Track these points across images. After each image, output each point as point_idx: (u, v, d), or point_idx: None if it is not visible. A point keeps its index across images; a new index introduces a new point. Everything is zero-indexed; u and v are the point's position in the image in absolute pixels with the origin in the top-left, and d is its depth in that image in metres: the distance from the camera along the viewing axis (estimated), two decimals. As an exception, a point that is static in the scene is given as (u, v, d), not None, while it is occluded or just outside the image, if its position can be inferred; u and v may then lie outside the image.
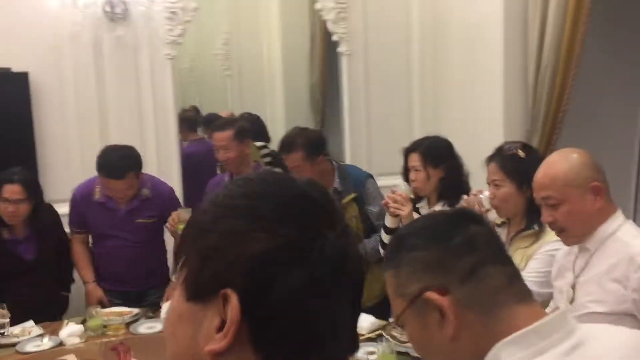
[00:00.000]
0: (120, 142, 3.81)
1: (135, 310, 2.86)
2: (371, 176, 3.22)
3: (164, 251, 3.23)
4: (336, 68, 4.70)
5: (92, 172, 3.75)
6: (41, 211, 3.01)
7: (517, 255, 2.18)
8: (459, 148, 3.97)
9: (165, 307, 2.84)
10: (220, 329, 0.56)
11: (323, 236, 0.58)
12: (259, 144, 4.56)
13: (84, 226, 3.18)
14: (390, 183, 3.96)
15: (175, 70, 3.99)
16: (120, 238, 3.09)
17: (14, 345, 2.54)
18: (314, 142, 3.02)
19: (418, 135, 4.25)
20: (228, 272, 0.56)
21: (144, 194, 3.05)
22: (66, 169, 3.73)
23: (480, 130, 3.79)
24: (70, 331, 2.60)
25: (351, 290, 0.61)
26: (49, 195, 3.66)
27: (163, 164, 3.92)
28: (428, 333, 0.95)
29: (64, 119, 3.72)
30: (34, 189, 2.94)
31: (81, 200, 3.17)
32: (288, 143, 3.00)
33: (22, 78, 3.55)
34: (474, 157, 3.90)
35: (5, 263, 2.92)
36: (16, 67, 3.56)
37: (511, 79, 3.65)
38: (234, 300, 0.55)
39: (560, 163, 1.73)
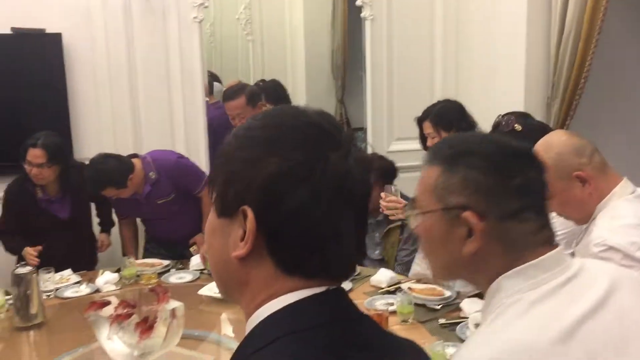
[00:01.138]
0: (148, 104, 3.94)
1: (166, 262, 3.01)
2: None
3: (197, 211, 3.32)
4: (357, 34, 4.75)
5: (121, 132, 3.90)
6: (71, 173, 3.11)
7: None
8: (479, 115, 4.05)
9: (194, 259, 2.99)
10: (242, 238, 0.69)
11: (326, 157, 0.68)
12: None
13: (123, 214, 3.35)
14: (410, 147, 4.06)
15: (202, 34, 4.07)
16: (154, 218, 3.25)
17: (53, 291, 2.70)
18: (387, 170, 3.17)
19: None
20: (246, 192, 0.68)
21: (152, 177, 3.09)
22: (97, 128, 3.85)
23: (501, 97, 3.84)
24: (106, 279, 2.76)
25: (354, 204, 0.71)
26: (82, 153, 3.80)
27: (190, 126, 4.03)
28: (446, 239, 1.01)
29: (95, 79, 3.83)
30: (57, 154, 3.00)
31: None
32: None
33: (55, 39, 3.66)
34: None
35: (40, 221, 3.07)
36: (50, 29, 3.66)
37: (534, 45, 3.67)
38: (250, 214, 0.68)
39: (556, 143, 1.69)
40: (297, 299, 0.69)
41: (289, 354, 0.65)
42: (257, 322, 0.70)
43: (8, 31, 3.62)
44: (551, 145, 1.68)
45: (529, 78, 3.68)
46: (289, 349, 0.65)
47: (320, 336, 0.67)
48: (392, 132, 4.39)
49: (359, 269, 2.73)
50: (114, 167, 2.93)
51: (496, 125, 2.37)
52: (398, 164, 3.97)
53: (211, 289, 2.61)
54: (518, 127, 2.29)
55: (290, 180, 0.67)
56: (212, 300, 2.56)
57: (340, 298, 0.73)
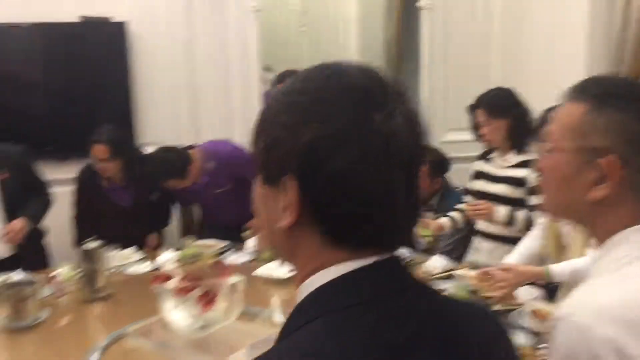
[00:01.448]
0: (206, 92, 4.04)
1: (224, 243, 3.10)
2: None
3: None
4: (412, 24, 4.74)
5: (180, 119, 4.02)
6: (134, 164, 3.23)
7: None
8: (538, 107, 3.95)
9: (250, 241, 3.06)
10: (286, 208, 0.66)
11: (370, 119, 0.64)
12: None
13: (183, 203, 3.52)
14: (465, 138, 4.03)
15: (259, 22, 4.14)
16: (211, 206, 3.35)
17: (118, 267, 2.82)
18: (438, 163, 3.26)
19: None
20: (287, 160, 0.65)
21: (209, 167, 3.19)
22: (157, 116, 3.99)
23: (560, 88, 3.77)
24: (167, 258, 2.87)
25: (404, 167, 0.66)
26: (143, 139, 3.95)
27: (247, 113, 4.11)
28: (574, 179, 0.95)
29: (156, 67, 3.96)
30: (119, 148, 3.12)
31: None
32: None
33: (120, 28, 3.79)
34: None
35: (103, 208, 3.23)
36: (115, 17, 3.80)
37: (595, 37, 3.60)
38: (292, 184, 0.65)
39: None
40: (343, 272, 0.66)
41: (325, 336, 0.62)
42: (304, 295, 0.68)
43: (76, 19, 3.78)
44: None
45: (590, 71, 3.61)
46: (326, 330, 0.62)
47: (362, 315, 0.63)
48: (446, 122, 4.38)
49: (411, 255, 2.75)
50: (173, 159, 3.04)
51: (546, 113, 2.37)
52: (452, 155, 3.97)
53: (266, 271, 2.67)
54: None
55: (331, 146, 0.63)
56: (267, 280, 2.63)
57: (392, 269, 0.68)
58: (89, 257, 2.48)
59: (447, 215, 3.02)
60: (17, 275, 2.47)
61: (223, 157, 3.21)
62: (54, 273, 2.58)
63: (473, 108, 2.95)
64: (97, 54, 3.85)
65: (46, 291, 2.47)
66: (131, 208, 3.23)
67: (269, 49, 6.76)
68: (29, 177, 3.03)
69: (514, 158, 2.84)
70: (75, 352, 2.06)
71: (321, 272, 0.67)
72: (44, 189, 3.12)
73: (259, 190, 0.72)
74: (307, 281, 0.68)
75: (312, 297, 0.67)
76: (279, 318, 2.29)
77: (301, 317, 0.66)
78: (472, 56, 4.31)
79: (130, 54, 3.88)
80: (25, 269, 2.57)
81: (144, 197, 3.31)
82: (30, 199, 3.00)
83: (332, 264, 0.66)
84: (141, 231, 3.34)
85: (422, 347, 0.65)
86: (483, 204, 2.80)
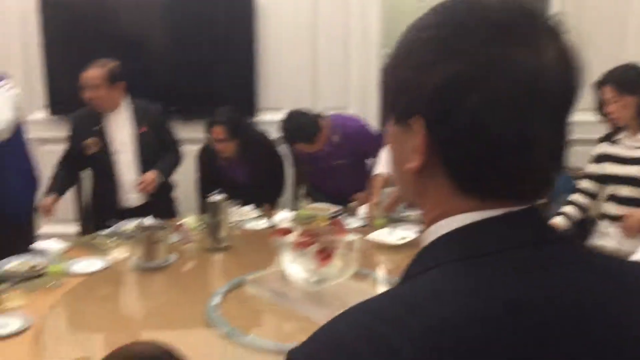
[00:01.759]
0: (327, 64, 4.12)
1: (338, 208, 3.18)
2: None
3: (366, 172, 3.41)
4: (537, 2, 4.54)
5: (300, 88, 4.13)
6: (250, 142, 3.36)
7: None
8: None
9: (363, 207, 3.12)
10: (415, 150, 0.63)
11: (514, 55, 0.58)
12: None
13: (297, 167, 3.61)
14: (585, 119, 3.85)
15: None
16: (325, 174, 3.40)
17: (237, 222, 2.99)
18: None
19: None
20: (416, 101, 0.62)
21: (334, 140, 3.24)
22: (279, 83, 4.13)
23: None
24: (283, 217, 2.99)
25: (550, 109, 0.61)
26: (267, 103, 4.11)
27: (364, 88, 4.16)
28: None
29: (281, 34, 4.08)
30: (236, 129, 3.24)
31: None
32: None
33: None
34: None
35: (221, 182, 3.35)
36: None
37: None
38: (421, 126, 0.61)
39: None
40: (470, 221, 0.61)
41: (442, 284, 0.58)
42: (428, 241, 0.65)
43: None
44: None
45: None
46: (446, 278, 0.59)
47: (483, 266, 0.58)
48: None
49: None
50: (306, 124, 3.14)
51: None
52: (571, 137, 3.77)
53: (378, 236, 2.73)
54: None
55: (465, 86, 0.58)
56: (379, 245, 2.69)
57: (526, 220, 0.62)
58: (214, 209, 2.65)
59: (561, 213, 2.89)
60: (149, 221, 2.69)
61: (350, 132, 3.27)
62: (181, 222, 2.77)
63: (599, 85, 2.80)
64: (225, 22, 4.03)
65: (174, 238, 2.67)
66: (248, 182, 3.37)
67: (387, 24, 6.76)
68: (163, 134, 3.26)
69: None
70: (198, 294, 2.23)
71: (447, 219, 0.63)
72: (176, 146, 3.34)
73: (391, 128, 0.68)
74: (432, 227, 0.65)
75: (435, 244, 0.63)
76: (390, 281, 2.34)
77: (421, 263, 0.63)
78: (604, 33, 4.07)
79: (257, 23, 4.02)
80: (154, 217, 2.79)
81: (259, 173, 3.42)
82: (163, 155, 3.23)
83: (458, 212, 0.62)
84: (258, 203, 3.48)
85: (549, 308, 0.57)
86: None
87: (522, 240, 0.61)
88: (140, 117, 3.16)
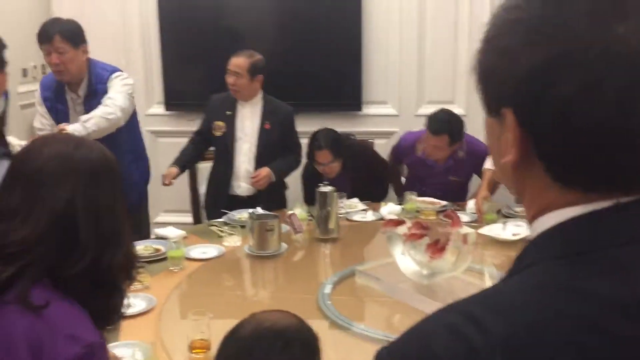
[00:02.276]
0: (434, 56, 4.06)
1: (445, 202, 3.13)
2: None
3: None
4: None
5: (405, 81, 4.10)
6: (351, 156, 3.34)
7: None
8: None
9: (470, 202, 3.05)
10: (510, 143, 0.59)
11: (610, 33, 0.52)
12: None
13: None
14: None
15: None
16: (431, 189, 3.29)
17: (345, 214, 3.01)
18: None
19: None
20: (502, 91, 0.58)
21: (459, 155, 3.21)
22: (385, 74, 4.11)
23: None
24: (390, 210, 2.98)
25: None
26: (370, 96, 4.11)
27: (471, 80, 4.05)
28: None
29: (387, 30, 4.06)
30: (339, 148, 3.25)
31: (404, 149, 3.45)
32: None
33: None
34: None
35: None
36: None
37: None
38: (509, 117, 0.57)
39: None
40: (573, 215, 0.56)
41: (533, 285, 0.54)
42: (533, 236, 0.61)
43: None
44: None
45: None
46: (537, 279, 0.55)
47: (580, 265, 0.54)
48: None
49: None
50: (456, 123, 3.11)
51: None
52: None
53: (490, 230, 2.66)
54: None
55: (558, 70, 0.53)
56: (491, 240, 2.62)
57: (636, 213, 0.55)
58: (323, 200, 2.69)
59: None
60: (260, 210, 2.78)
61: (477, 154, 3.18)
62: (291, 212, 2.83)
63: None
64: (333, 18, 4.06)
65: (285, 227, 2.73)
66: (350, 192, 3.33)
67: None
68: (288, 135, 3.30)
69: None
70: (309, 282, 2.27)
71: (548, 214, 0.58)
72: (297, 149, 3.38)
73: (486, 120, 0.64)
74: (535, 223, 0.60)
75: (536, 241, 0.60)
76: (498, 279, 2.27)
77: (520, 261, 0.60)
78: None
79: (363, 15, 4.02)
80: (264, 208, 2.86)
81: (363, 182, 3.40)
82: (284, 154, 3.29)
83: (560, 207, 0.57)
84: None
85: None
86: None
87: (628, 236, 0.55)
88: (268, 113, 3.25)
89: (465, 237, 2.00)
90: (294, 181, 3.54)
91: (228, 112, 3.25)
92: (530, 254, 0.59)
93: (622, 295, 0.52)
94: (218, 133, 3.26)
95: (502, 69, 0.57)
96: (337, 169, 3.29)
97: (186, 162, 3.34)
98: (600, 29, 0.52)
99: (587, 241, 0.55)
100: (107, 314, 1.19)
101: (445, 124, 3.08)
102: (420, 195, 3.14)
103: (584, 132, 0.53)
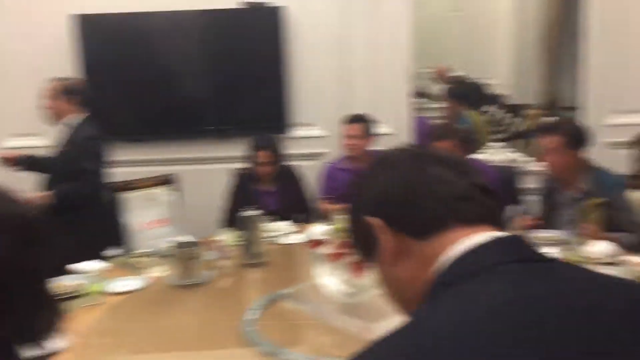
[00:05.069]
0: (357, 75, 4.11)
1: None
2: (625, 186, 2.93)
3: None
4: (573, 2, 4.46)
5: (331, 100, 4.12)
6: (284, 171, 3.49)
7: None
8: None
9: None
10: (386, 248, 0.80)
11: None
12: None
13: (333, 191, 3.61)
14: (632, 122, 3.76)
15: (413, 10, 4.13)
16: None
17: (271, 237, 2.98)
18: (579, 134, 2.89)
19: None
20: (370, 207, 0.80)
21: None
22: (309, 96, 4.13)
23: None
24: (318, 230, 2.96)
25: (433, 163, 0.82)
26: (297, 119, 4.11)
27: (395, 97, 4.13)
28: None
29: (310, 51, 4.10)
30: (279, 154, 3.44)
31: (330, 170, 3.68)
32: (551, 125, 3.06)
33: (275, 11, 3.98)
34: None
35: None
36: (272, 2, 3.99)
37: None
38: (379, 223, 0.79)
39: None
40: (456, 254, 0.72)
41: (441, 303, 0.67)
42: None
43: (233, 5, 4.02)
44: None
45: None
46: (442, 299, 0.68)
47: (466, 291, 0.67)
48: (608, 105, 4.06)
49: (569, 238, 2.61)
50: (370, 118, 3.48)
51: None
52: (613, 140, 3.70)
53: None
54: None
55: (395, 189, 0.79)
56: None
57: (504, 242, 0.73)
58: (248, 224, 2.64)
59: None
60: (184, 238, 2.70)
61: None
62: (217, 238, 2.77)
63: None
64: (253, 37, 4.06)
65: (211, 255, 2.67)
66: (276, 210, 3.35)
67: (422, 37, 6.74)
68: (79, 158, 3.18)
69: None
70: (235, 310, 2.21)
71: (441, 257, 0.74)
72: (86, 176, 3.22)
73: (381, 270, 0.83)
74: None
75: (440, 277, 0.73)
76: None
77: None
78: (636, 36, 3.95)
79: (286, 38, 4.04)
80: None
81: (287, 203, 3.44)
82: (73, 181, 3.18)
83: (443, 248, 0.74)
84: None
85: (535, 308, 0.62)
86: None
87: (500, 260, 0.70)
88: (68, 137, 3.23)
89: (387, 254, 2.00)
90: (217, 206, 3.48)
91: None
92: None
93: (499, 300, 0.64)
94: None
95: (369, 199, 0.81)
96: (273, 172, 3.40)
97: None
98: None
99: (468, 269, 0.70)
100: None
101: (360, 115, 3.55)
102: None
103: (411, 191, 0.78)
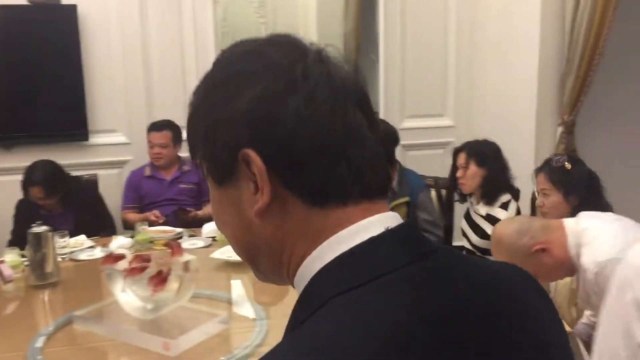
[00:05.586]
0: (161, 79, 3.96)
1: (179, 230, 3.03)
2: (427, 187, 3.18)
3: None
4: (371, 16, 4.74)
5: (135, 105, 3.92)
6: (71, 193, 3.20)
7: None
8: (494, 89, 3.98)
9: (206, 226, 3.01)
10: (256, 190, 0.58)
11: (303, 62, 0.60)
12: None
13: (137, 200, 3.52)
14: (421, 125, 4.10)
15: (216, 11, 4.08)
16: (167, 202, 3.44)
17: (68, 254, 2.74)
18: (388, 134, 2.97)
19: (453, 80, 4.33)
20: (233, 134, 0.59)
21: (184, 168, 3.53)
22: (111, 100, 3.88)
23: (514, 72, 3.82)
24: (120, 243, 2.79)
25: (354, 104, 0.61)
26: (96, 125, 3.85)
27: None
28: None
29: (109, 52, 3.85)
30: (54, 186, 3.10)
31: (135, 178, 3.59)
32: None
33: (70, 10, 3.68)
34: (509, 99, 3.97)
35: None
36: (66, 0, 3.69)
37: (548, 20, 3.62)
38: (252, 154, 0.58)
39: (502, 237, 1.83)
40: (346, 248, 0.58)
41: (342, 317, 0.54)
42: (305, 282, 0.60)
43: (25, 2, 3.66)
44: (500, 243, 1.83)
45: (543, 53, 3.66)
46: (343, 310, 0.55)
47: (365, 295, 0.55)
48: (403, 110, 4.38)
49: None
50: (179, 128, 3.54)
51: (547, 161, 2.47)
52: (409, 142, 3.99)
53: (223, 253, 2.63)
54: (568, 165, 2.36)
55: (273, 98, 0.58)
56: (224, 263, 2.59)
57: (399, 237, 0.60)
58: (38, 242, 2.40)
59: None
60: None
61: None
62: (1, 259, 2.48)
63: (457, 150, 2.99)
64: (48, 38, 3.72)
65: (-10, 278, 2.38)
66: (73, 230, 3.12)
67: (229, 42, 6.71)
68: None
69: None
70: (23, 337, 1.98)
71: (318, 249, 0.59)
72: None
73: (215, 197, 0.64)
74: (303, 266, 0.60)
75: (317, 280, 0.59)
76: (238, 301, 2.26)
77: (307, 305, 0.58)
78: (429, 45, 4.32)
79: (82, 38, 3.76)
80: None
81: (84, 222, 3.18)
82: None
83: (328, 234, 0.59)
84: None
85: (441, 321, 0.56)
86: None
87: (399, 261, 0.58)
88: None
89: (186, 265, 1.93)
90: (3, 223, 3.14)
91: None
92: (313, 296, 0.58)
93: (401, 317, 0.54)
94: None
95: (223, 116, 0.59)
96: (54, 204, 3.13)
97: None
98: (294, 63, 0.60)
99: (362, 272, 0.56)
100: None
101: (165, 121, 3.50)
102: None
103: (321, 142, 0.58)
